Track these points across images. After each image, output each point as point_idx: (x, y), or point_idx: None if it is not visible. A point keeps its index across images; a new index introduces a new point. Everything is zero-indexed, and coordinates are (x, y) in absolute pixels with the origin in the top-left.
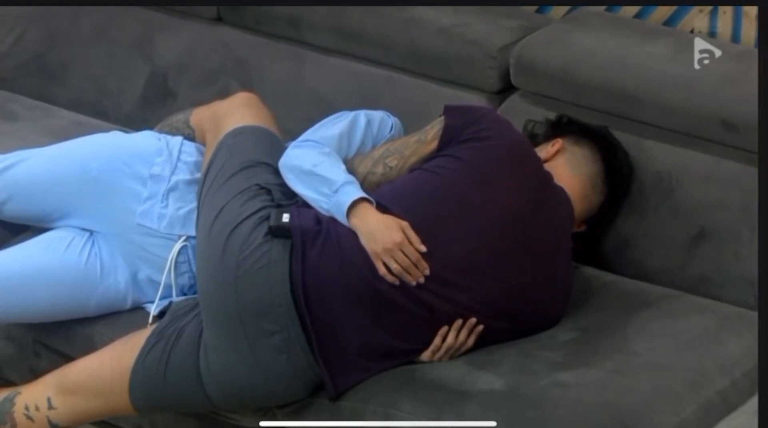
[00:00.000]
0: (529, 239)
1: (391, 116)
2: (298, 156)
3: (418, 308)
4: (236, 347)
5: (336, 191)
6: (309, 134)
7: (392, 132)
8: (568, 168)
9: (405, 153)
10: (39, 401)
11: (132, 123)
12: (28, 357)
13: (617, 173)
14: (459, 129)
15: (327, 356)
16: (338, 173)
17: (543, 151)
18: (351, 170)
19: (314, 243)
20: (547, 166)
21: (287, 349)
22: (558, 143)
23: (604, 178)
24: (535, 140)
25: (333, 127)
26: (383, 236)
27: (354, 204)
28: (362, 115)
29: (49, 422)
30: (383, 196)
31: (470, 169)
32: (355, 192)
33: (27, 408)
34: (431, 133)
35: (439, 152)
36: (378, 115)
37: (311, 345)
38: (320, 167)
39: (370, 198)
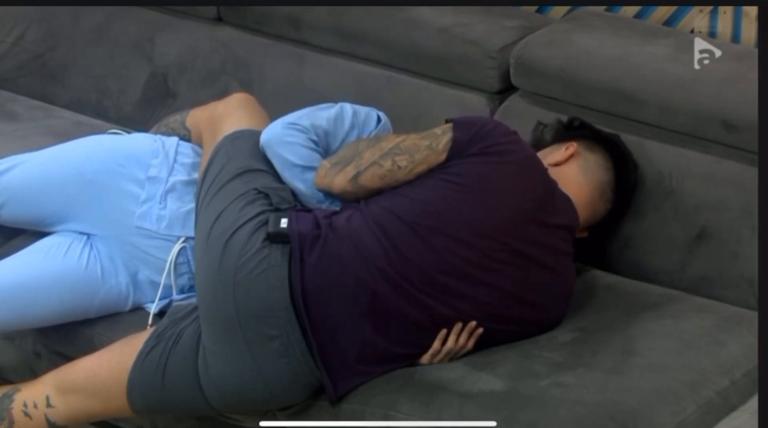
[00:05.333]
0: (531, 250)
1: (375, 110)
2: (291, 152)
3: (417, 313)
4: (236, 352)
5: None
6: (297, 118)
7: (380, 124)
8: (581, 173)
9: (415, 158)
10: (38, 399)
11: (132, 123)
12: (28, 358)
13: (626, 183)
14: (468, 143)
15: (327, 360)
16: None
17: (556, 153)
18: (355, 153)
19: (313, 248)
20: (557, 169)
21: (287, 354)
22: (572, 146)
23: (613, 187)
24: (543, 141)
25: (321, 113)
26: None
27: None
28: (347, 106)
29: (47, 420)
30: (383, 199)
31: (475, 181)
32: None
33: (26, 406)
34: (442, 142)
35: (447, 163)
36: (363, 108)
37: (311, 349)
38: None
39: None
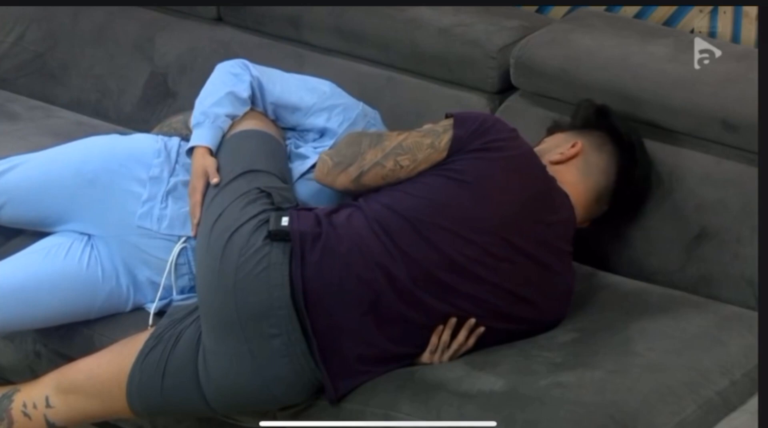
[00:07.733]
0: (530, 247)
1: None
2: (228, 83)
3: (418, 313)
4: (236, 351)
5: (197, 125)
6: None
7: (367, 120)
8: (579, 175)
9: (418, 157)
10: (37, 399)
11: (132, 123)
12: (28, 357)
13: (628, 186)
14: (468, 139)
15: (328, 360)
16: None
17: (560, 149)
18: (357, 152)
19: (314, 247)
20: (557, 167)
21: (288, 353)
22: (578, 145)
23: (611, 193)
24: (565, 124)
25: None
26: (193, 178)
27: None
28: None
29: (47, 420)
30: (383, 196)
31: (475, 178)
32: (200, 140)
33: (25, 406)
34: (444, 140)
35: (447, 159)
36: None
37: (312, 349)
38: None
39: (209, 146)
